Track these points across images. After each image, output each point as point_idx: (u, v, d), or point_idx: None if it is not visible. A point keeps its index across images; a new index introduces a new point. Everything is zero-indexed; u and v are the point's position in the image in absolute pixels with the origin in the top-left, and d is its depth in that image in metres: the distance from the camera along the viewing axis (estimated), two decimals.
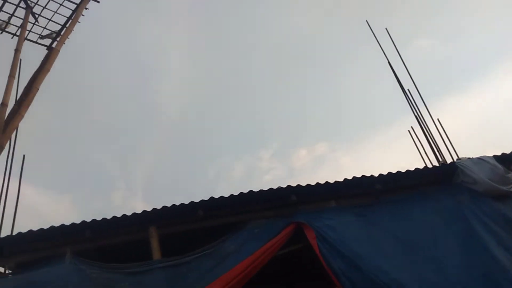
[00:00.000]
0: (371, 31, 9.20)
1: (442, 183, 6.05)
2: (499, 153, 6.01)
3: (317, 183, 5.86)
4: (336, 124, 30.85)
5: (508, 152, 6.00)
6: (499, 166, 5.71)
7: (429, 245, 5.36)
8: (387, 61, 8.64)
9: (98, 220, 5.35)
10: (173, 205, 5.45)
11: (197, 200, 5.50)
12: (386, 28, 9.29)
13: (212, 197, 5.54)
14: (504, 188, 5.51)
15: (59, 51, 8.50)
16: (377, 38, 9.06)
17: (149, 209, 5.45)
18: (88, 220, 5.34)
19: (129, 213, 5.45)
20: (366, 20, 9.44)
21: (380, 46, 8.69)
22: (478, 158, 5.93)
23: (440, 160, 7.18)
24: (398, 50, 8.75)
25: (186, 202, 5.47)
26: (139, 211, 5.43)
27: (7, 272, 5.62)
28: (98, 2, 9.86)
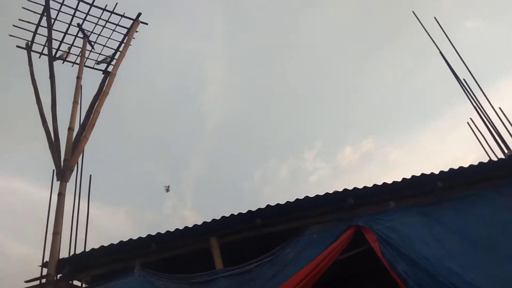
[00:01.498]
0: (418, 21, 8.89)
1: (510, 177, 5.66)
2: None
3: (374, 185, 5.73)
4: (383, 118, 29.87)
5: None
6: None
7: (502, 243, 5.04)
8: (438, 51, 8.28)
9: (162, 233, 5.62)
10: (232, 214, 5.58)
11: (254, 209, 5.60)
12: (435, 17, 8.91)
13: (268, 205, 5.61)
14: None
15: (115, 74, 9.05)
16: (425, 27, 8.72)
17: (207, 219, 5.64)
18: (153, 233, 5.62)
19: (190, 225, 5.68)
20: (413, 11, 9.12)
21: (431, 37, 8.36)
22: None
23: (506, 151, 6.72)
24: (448, 36, 8.34)
25: (243, 211, 5.59)
26: (199, 223, 5.64)
27: (83, 285, 6.06)
28: (147, 24, 10.37)
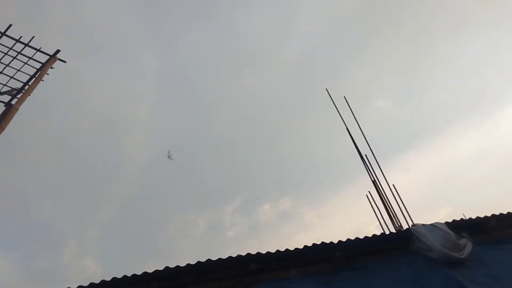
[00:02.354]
0: (331, 99, 9.77)
1: (399, 250, 6.12)
2: (450, 220, 6.25)
3: (277, 250, 5.78)
4: (301, 181, 31.47)
5: (457, 219, 6.25)
6: (451, 232, 5.89)
7: None
8: (346, 128, 9.07)
9: None
10: (124, 276, 5.13)
11: (150, 270, 5.22)
12: (344, 97, 9.87)
13: (167, 267, 5.28)
14: (456, 255, 5.65)
15: (17, 109, 8.31)
16: (336, 106, 9.60)
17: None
18: None
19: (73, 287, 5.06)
20: (326, 89, 10.03)
21: (340, 115, 9.20)
22: (431, 225, 6.11)
23: (397, 225, 7.34)
24: (359, 111, 9.25)
25: (138, 273, 5.18)
26: (85, 284, 5.05)
27: None
28: (65, 62, 9.93)
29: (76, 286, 4.88)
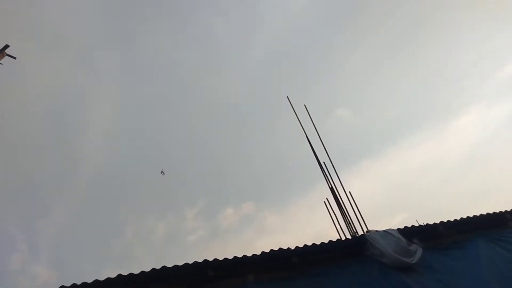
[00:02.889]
0: (291, 107, 9.92)
1: (354, 255, 6.27)
2: (402, 226, 6.49)
3: (235, 257, 5.73)
4: (264, 184, 31.57)
5: (409, 225, 6.51)
6: (403, 239, 6.12)
7: None
8: (305, 136, 9.23)
9: None
10: (73, 284, 4.86)
11: (103, 278, 4.99)
12: (305, 105, 10.06)
13: (120, 275, 5.06)
14: (407, 260, 5.87)
15: None
16: (297, 114, 9.75)
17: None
18: None
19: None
20: (287, 97, 10.16)
21: (300, 123, 9.35)
22: (385, 231, 6.33)
23: (353, 231, 7.53)
24: (320, 120, 9.49)
25: (89, 281, 4.92)
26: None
27: None
28: (15, 58, 9.36)
29: None
